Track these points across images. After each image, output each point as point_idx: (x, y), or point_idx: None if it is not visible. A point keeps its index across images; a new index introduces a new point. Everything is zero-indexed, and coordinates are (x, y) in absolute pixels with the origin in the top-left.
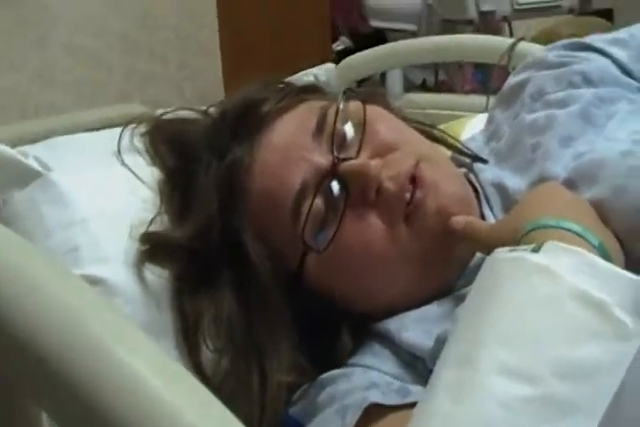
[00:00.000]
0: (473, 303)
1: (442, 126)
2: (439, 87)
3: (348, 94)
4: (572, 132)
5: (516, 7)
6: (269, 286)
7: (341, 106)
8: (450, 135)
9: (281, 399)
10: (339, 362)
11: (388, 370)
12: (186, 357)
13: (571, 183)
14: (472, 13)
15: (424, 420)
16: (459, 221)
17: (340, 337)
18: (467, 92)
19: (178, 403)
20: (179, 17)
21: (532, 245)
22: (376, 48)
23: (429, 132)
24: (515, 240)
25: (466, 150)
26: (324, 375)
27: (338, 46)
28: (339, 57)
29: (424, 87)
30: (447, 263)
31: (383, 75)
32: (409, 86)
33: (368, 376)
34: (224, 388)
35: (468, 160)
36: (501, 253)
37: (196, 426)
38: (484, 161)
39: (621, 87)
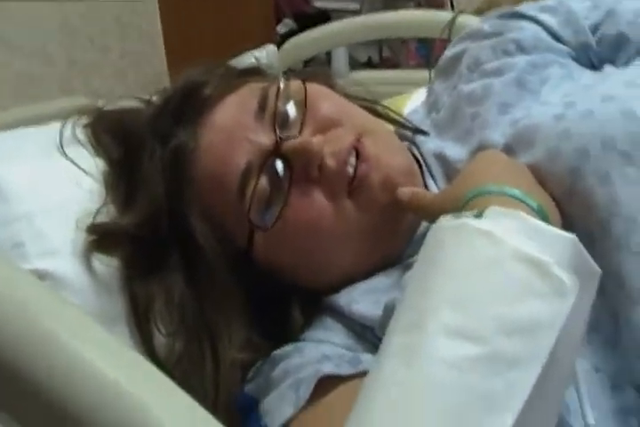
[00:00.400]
0: (419, 271)
1: (385, 102)
2: (384, 64)
3: (289, 74)
4: (509, 100)
5: None
6: (218, 267)
7: (282, 85)
8: (392, 110)
9: (235, 377)
10: (291, 338)
11: (339, 342)
12: (140, 344)
13: (509, 149)
14: None
15: (375, 387)
16: (404, 192)
17: (291, 313)
18: (412, 67)
19: (139, 393)
20: (118, 5)
21: (475, 212)
22: (320, 28)
23: (372, 107)
24: (458, 208)
25: (407, 124)
26: (277, 351)
27: (282, 29)
28: (283, 40)
29: (369, 65)
30: (394, 234)
31: (329, 54)
32: (354, 64)
33: (320, 349)
34: (178, 371)
35: (410, 133)
36: (445, 220)
37: (162, 417)
38: (426, 133)
39: (553, 53)
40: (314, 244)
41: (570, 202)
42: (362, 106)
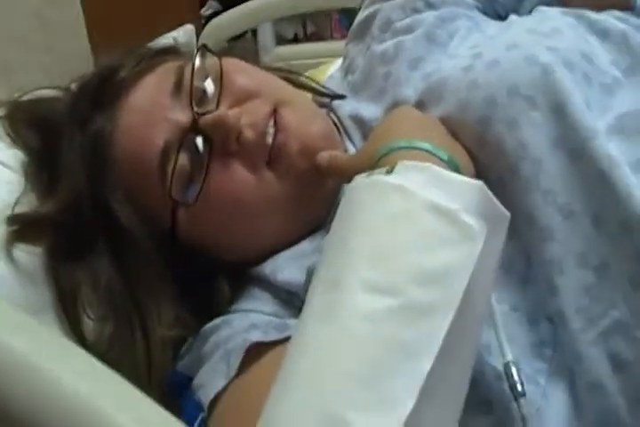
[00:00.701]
0: (336, 231)
1: (307, 73)
2: (310, 39)
3: (203, 51)
4: (419, 55)
5: None
6: (144, 248)
7: (197, 62)
8: (308, 77)
9: (166, 355)
10: (220, 311)
11: (267, 310)
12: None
13: (421, 104)
14: None
15: (299, 349)
16: (323, 156)
17: (219, 287)
18: (337, 40)
19: (73, 381)
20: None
21: (386, 168)
22: (243, 5)
23: (290, 78)
24: (372, 166)
25: (324, 90)
26: (207, 326)
27: (206, 11)
28: (208, 22)
29: (296, 40)
30: (316, 200)
31: (254, 32)
32: (281, 41)
33: (248, 319)
34: (110, 354)
35: (328, 99)
36: (359, 179)
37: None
38: (343, 97)
39: (460, 6)
40: (237, 216)
41: (481, 150)
42: (280, 77)
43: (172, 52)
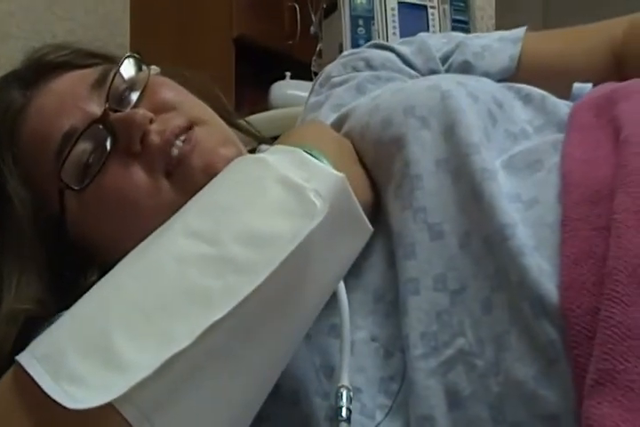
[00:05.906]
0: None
1: None
2: None
3: (137, 59)
4: (344, 101)
5: None
6: (23, 222)
7: (127, 66)
8: (245, 121)
9: (11, 329)
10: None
11: None
12: None
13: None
14: None
15: (107, 276)
16: None
17: (88, 280)
18: None
19: None
20: None
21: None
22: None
23: (223, 114)
24: None
25: (254, 132)
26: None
27: None
28: None
29: None
30: None
31: None
32: None
33: None
34: None
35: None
36: None
37: None
38: (269, 141)
39: (401, 74)
40: (124, 215)
41: (377, 173)
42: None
43: (107, 59)
